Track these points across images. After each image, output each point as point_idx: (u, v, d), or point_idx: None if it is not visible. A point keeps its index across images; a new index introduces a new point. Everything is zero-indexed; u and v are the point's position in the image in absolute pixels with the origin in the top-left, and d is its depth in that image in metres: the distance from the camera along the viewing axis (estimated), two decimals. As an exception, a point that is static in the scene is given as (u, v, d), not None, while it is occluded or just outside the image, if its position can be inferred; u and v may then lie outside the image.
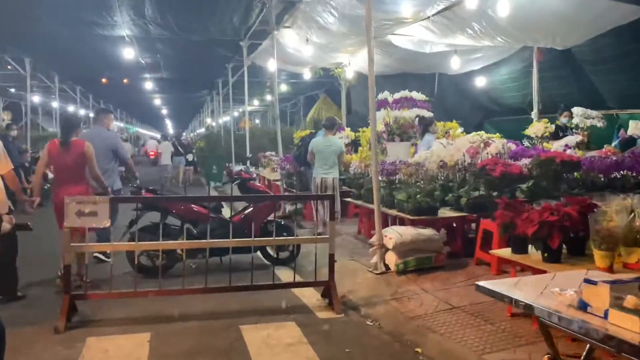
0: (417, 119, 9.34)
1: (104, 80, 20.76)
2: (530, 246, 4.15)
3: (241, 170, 6.54)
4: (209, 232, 4.79)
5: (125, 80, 21.37)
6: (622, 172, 6.68)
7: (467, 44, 9.57)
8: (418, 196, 5.80)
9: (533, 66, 10.78)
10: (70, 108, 26.43)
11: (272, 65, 11.41)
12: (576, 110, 10.60)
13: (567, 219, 3.82)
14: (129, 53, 12.58)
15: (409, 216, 5.86)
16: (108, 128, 6.62)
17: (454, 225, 6.19)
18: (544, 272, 4.02)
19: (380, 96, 9.83)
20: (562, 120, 9.26)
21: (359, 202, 7.24)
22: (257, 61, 13.23)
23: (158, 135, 39.28)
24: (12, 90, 23.24)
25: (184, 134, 36.93)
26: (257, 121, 33.33)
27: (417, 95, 9.50)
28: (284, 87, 24.86)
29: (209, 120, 32.73)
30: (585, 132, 10.16)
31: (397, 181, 6.52)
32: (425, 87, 11.88)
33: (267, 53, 11.82)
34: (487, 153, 6.07)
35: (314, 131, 11.20)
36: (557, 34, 8.43)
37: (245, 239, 4.84)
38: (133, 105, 36.72)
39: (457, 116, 11.15)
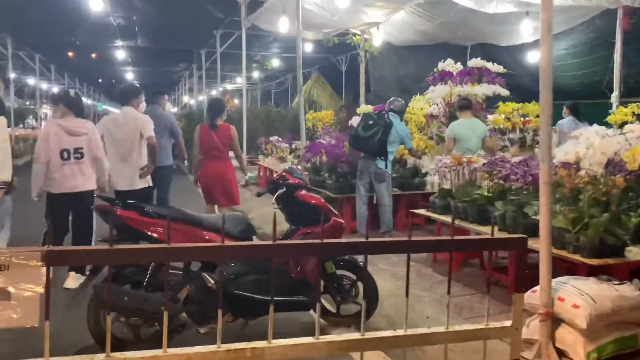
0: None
1: (70, 54, 19.21)
2: None
3: (284, 171, 3.79)
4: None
5: (93, 55, 19.67)
6: None
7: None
8: (595, 220, 3.35)
9: (616, 36, 8.50)
10: (30, 80, 24.20)
11: (284, 25, 8.85)
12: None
13: None
14: (96, 5, 9.74)
15: (581, 258, 3.43)
16: (163, 109, 7.21)
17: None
18: None
19: (441, 66, 7.40)
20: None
21: (442, 218, 4.72)
22: (260, 23, 10.55)
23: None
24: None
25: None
26: (237, 101, 30.56)
27: (492, 66, 7.08)
28: (274, 63, 22.04)
29: (186, 99, 29.70)
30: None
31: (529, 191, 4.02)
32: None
33: (275, 11, 9.23)
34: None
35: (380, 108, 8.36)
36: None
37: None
38: (101, 79, 33.38)
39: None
